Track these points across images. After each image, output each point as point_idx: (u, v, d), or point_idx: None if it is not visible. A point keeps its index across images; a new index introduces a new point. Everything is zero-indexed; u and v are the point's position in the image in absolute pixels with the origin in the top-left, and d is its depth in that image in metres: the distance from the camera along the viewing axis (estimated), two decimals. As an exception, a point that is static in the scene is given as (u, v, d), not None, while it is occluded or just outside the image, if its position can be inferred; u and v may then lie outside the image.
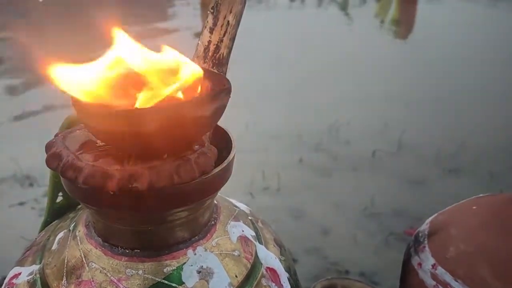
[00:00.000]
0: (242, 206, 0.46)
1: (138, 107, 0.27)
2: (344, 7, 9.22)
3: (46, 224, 0.45)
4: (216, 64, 0.37)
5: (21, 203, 1.44)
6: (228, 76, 0.39)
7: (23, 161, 1.64)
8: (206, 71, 0.33)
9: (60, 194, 0.46)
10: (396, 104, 2.53)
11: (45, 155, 0.30)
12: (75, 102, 0.28)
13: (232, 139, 0.36)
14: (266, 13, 6.86)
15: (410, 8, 8.29)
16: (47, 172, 1.52)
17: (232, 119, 0.32)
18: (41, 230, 0.44)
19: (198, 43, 0.38)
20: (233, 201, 0.47)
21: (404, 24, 7.07)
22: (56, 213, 0.46)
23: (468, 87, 3.00)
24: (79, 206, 0.44)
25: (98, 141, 0.30)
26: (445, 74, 3.34)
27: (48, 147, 0.30)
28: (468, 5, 9.94)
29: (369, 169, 1.75)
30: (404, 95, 2.70)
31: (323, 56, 3.69)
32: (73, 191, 0.29)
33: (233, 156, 0.34)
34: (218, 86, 0.31)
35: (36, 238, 0.42)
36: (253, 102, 2.31)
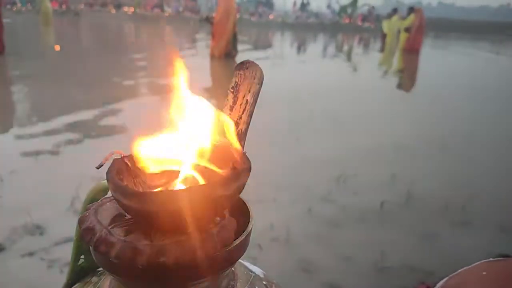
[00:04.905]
0: (257, 270, 0.47)
1: (168, 189, 0.30)
2: (348, 57, 9.51)
3: (67, 287, 0.46)
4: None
5: (31, 253, 1.44)
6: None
7: (34, 210, 1.65)
8: (228, 148, 0.36)
9: (82, 256, 0.47)
10: (403, 154, 2.55)
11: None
12: (111, 182, 0.30)
13: (250, 210, 0.38)
14: (274, 64, 7.09)
15: (413, 59, 8.53)
16: (58, 222, 1.53)
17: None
18: (62, 293, 0.46)
19: (218, 119, 0.41)
20: (248, 264, 0.48)
21: (407, 74, 7.26)
22: (77, 275, 0.47)
23: (475, 137, 3.03)
24: (100, 269, 0.46)
25: (127, 214, 0.33)
26: (451, 124, 3.38)
27: (81, 221, 0.32)
28: (470, 55, 10.15)
29: (378, 221, 1.74)
30: (411, 145, 2.73)
31: (330, 108, 3.78)
32: (103, 263, 0.31)
33: (251, 228, 0.36)
34: (239, 164, 0.34)
35: (57, 302, 0.43)
36: (261, 153, 2.34)
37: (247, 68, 0.41)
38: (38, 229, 1.56)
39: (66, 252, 1.46)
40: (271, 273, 0.51)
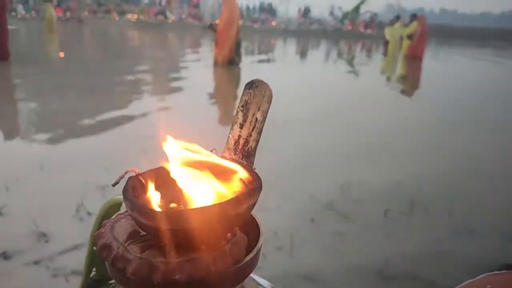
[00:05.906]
0: (265, 283, 0.48)
1: (182, 208, 0.31)
2: (351, 63, 9.54)
3: (79, 298, 0.47)
4: (245, 155, 0.41)
5: (36, 262, 1.44)
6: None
7: (39, 218, 1.65)
8: (238, 165, 0.37)
9: (94, 269, 0.48)
10: (408, 161, 2.56)
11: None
12: (128, 201, 0.31)
13: (259, 225, 0.39)
14: (277, 71, 7.12)
15: (416, 65, 8.55)
16: (64, 230, 1.53)
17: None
18: (74, 305, 0.47)
19: (229, 136, 0.42)
20: (256, 277, 0.49)
21: (410, 80, 7.27)
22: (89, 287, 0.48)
23: (479, 143, 3.03)
24: (111, 281, 0.47)
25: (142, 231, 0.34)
26: (454, 131, 3.38)
27: (98, 237, 0.33)
28: (473, 62, 10.16)
29: (382, 229, 1.74)
30: (414, 152, 2.73)
31: (333, 115, 3.78)
32: (119, 278, 0.32)
33: (261, 244, 0.37)
34: (250, 183, 0.35)
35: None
36: (264, 161, 2.35)
37: (256, 87, 0.42)
38: (43, 237, 1.57)
39: (72, 261, 1.47)
40: (275, 282, 0.52)
